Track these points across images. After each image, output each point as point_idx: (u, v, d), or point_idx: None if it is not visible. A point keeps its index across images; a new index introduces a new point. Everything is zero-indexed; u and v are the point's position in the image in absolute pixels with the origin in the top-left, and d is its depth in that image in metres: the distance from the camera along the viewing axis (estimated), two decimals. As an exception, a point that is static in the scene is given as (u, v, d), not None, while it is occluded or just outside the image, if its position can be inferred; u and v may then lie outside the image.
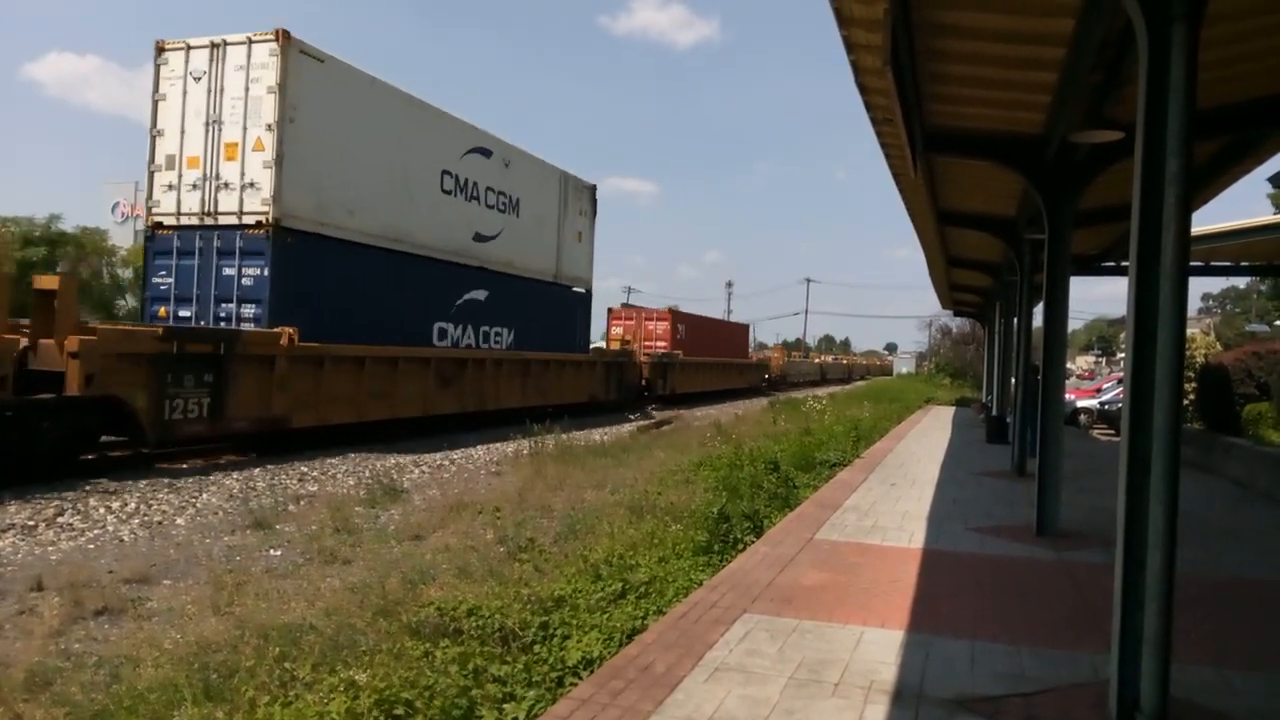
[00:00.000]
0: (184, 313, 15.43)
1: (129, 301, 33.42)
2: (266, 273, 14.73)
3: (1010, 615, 5.44)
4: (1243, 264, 17.53)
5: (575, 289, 26.23)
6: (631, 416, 24.04)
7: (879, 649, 4.68)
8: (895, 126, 7.10)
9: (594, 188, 27.30)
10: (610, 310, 37.56)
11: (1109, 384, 27.93)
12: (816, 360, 76.07)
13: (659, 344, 35.16)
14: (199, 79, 15.24)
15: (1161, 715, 3.47)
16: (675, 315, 37.36)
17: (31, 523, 8.72)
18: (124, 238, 40.02)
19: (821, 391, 40.51)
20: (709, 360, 39.00)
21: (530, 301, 23.13)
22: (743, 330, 51.87)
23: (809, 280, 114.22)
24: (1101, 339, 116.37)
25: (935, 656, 4.58)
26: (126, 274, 35.66)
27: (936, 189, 11.23)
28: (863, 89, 6.47)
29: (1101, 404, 25.03)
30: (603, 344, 33.84)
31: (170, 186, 15.44)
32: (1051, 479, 8.24)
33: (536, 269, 23.57)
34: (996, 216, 12.47)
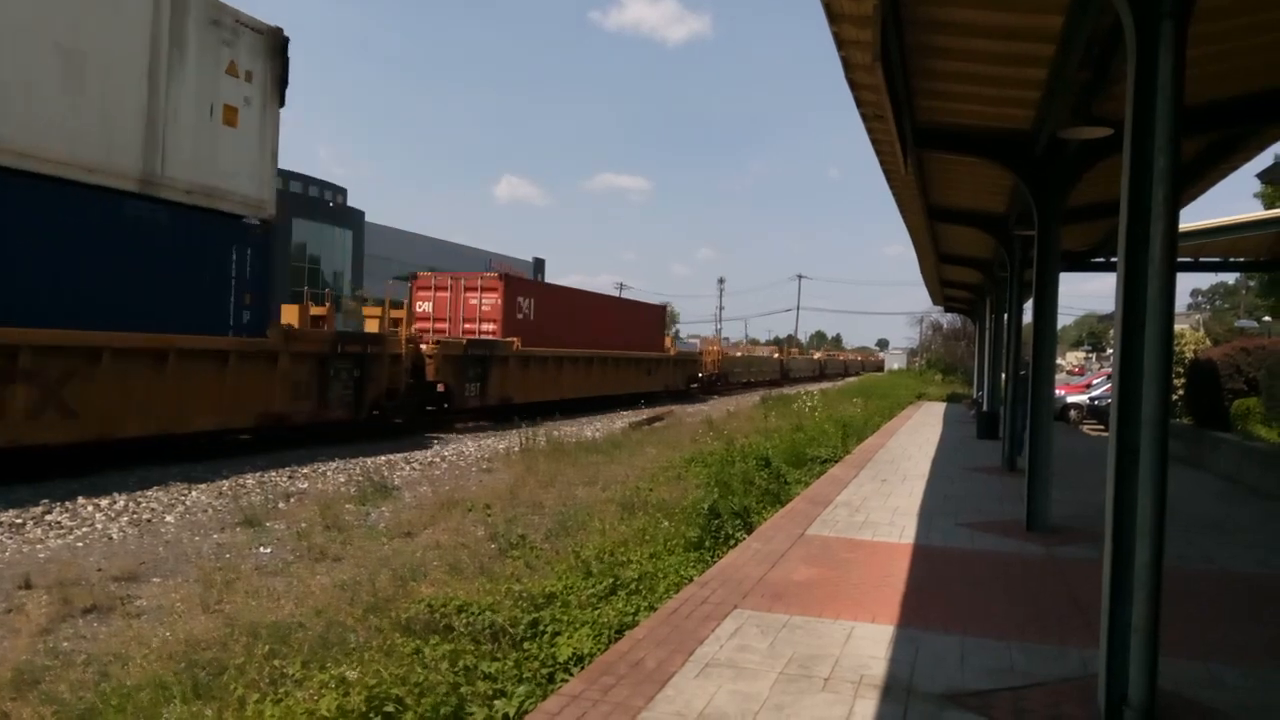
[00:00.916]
0: None
1: None
2: None
3: (1000, 610, 5.47)
4: (1231, 260, 17.65)
5: (230, 213, 13.50)
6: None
7: (869, 644, 4.69)
8: (886, 122, 7.11)
9: (279, 36, 14.10)
10: (415, 277, 24.87)
11: (1099, 380, 28.10)
12: (775, 355, 61.22)
13: (486, 326, 23.28)
14: None
15: (1150, 709, 3.48)
16: (512, 284, 24.45)
17: (19, 520, 8.67)
18: None
19: (798, 390, 34.03)
20: (579, 353, 26.29)
21: (39, 228, 10.83)
22: (654, 312, 36.52)
23: (800, 277, 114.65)
24: (1091, 335, 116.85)
25: (925, 651, 4.60)
26: None
27: (927, 185, 11.28)
28: (853, 85, 6.48)
29: (1091, 399, 25.16)
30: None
31: None
32: (1041, 474, 8.28)
33: (57, 155, 10.95)
34: (987, 213, 12.52)
